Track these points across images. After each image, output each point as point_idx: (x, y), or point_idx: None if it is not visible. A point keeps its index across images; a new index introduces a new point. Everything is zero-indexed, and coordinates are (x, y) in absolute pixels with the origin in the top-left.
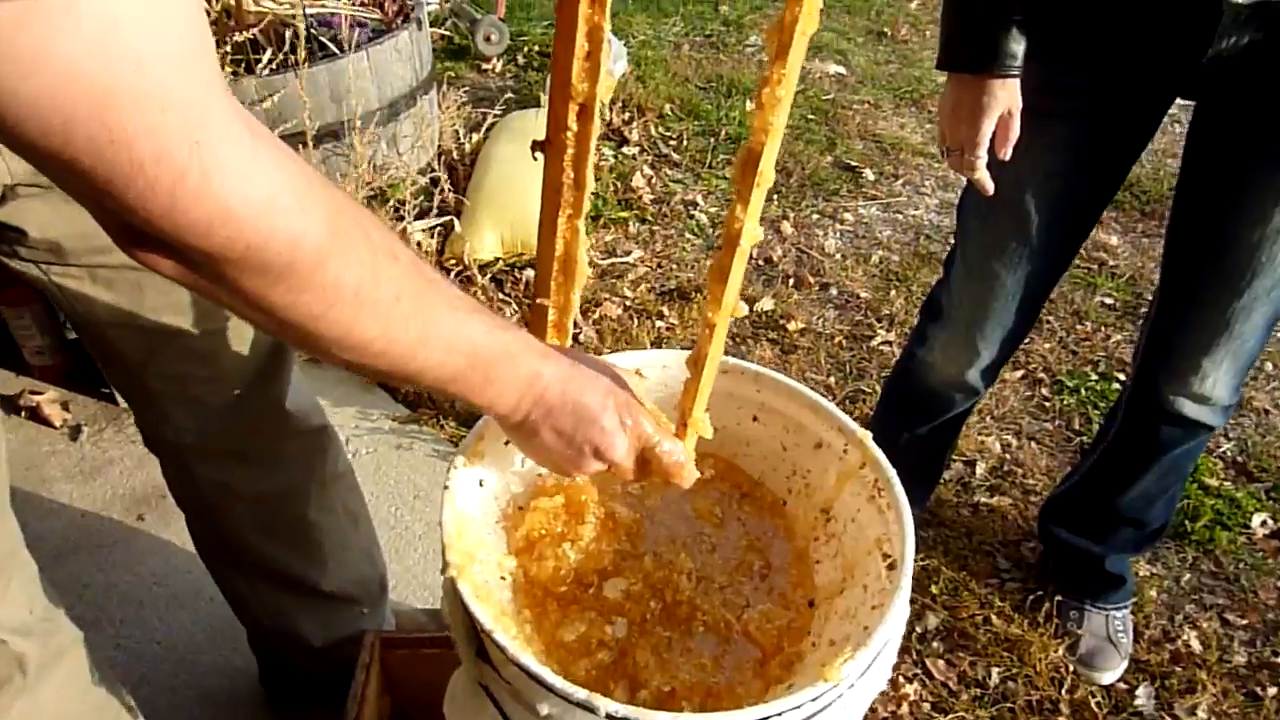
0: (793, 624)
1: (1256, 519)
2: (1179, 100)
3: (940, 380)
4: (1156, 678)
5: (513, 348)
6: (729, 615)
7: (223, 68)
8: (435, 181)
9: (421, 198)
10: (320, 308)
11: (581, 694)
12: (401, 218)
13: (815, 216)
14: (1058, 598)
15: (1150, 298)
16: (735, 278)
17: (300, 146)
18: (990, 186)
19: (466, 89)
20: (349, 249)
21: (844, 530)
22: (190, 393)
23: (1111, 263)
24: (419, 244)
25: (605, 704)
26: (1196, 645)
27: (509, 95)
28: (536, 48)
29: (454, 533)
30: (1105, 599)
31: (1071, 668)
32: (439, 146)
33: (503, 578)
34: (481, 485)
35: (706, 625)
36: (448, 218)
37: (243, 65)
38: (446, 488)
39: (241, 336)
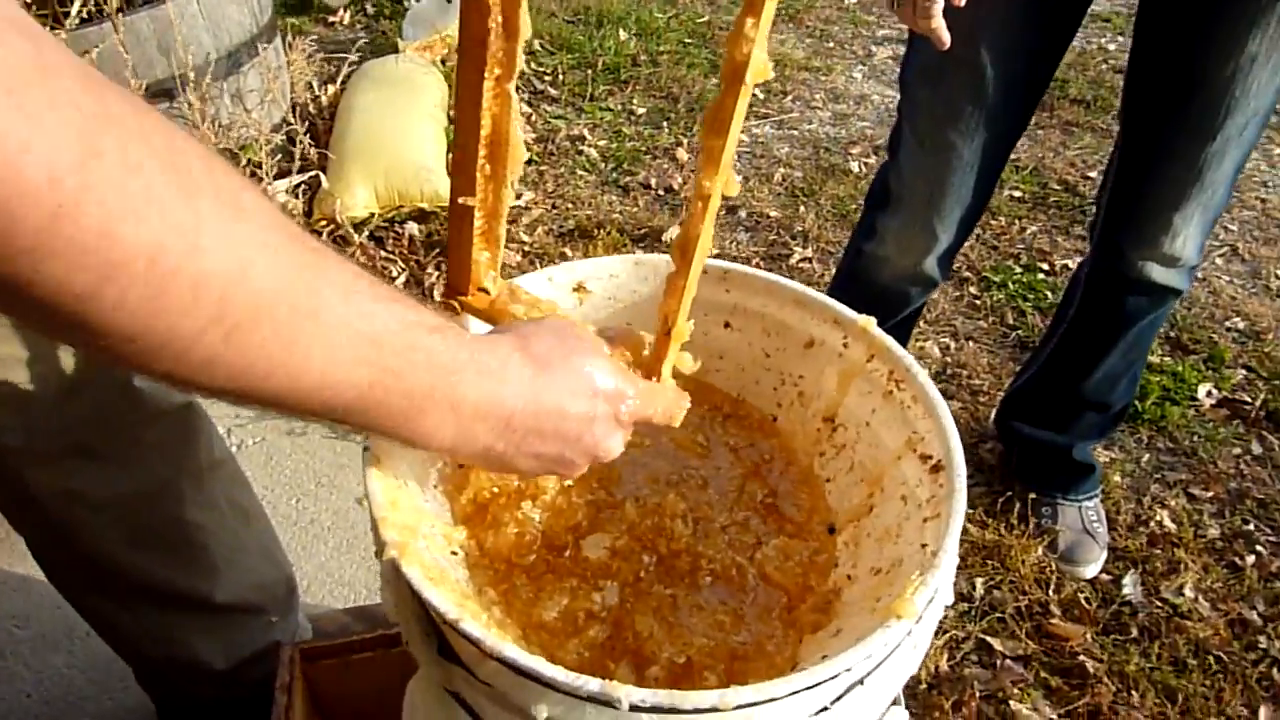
0: (816, 556)
1: (1202, 390)
2: None
3: (894, 274)
4: (1138, 563)
5: (450, 357)
6: (739, 558)
7: None
8: (293, 139)
9: (279, 156)
10: (86, 283)
11: (594, 685)
12: (259, 180)
13: None
14: (1030, 496)
15: (1058, 186)
16: (735, 127)
17: None
18: (946, 38)
19: (315, 41)
20: (127, 180)
21: (856, 439)
22: (3, 379)
23: (1012, 156)
24: (282, 207)
25: (630, 693)
26: (1170, 524)
27: (362, 42)
28: None
29: (385, 503)
30: (1076, 490)
31: (1054, 566)
32: (292, 100)
33: (453, 552)
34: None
35: (714, 574)
36: (312, 174)
37: (49, 19)
38: (367, 449)
39: None
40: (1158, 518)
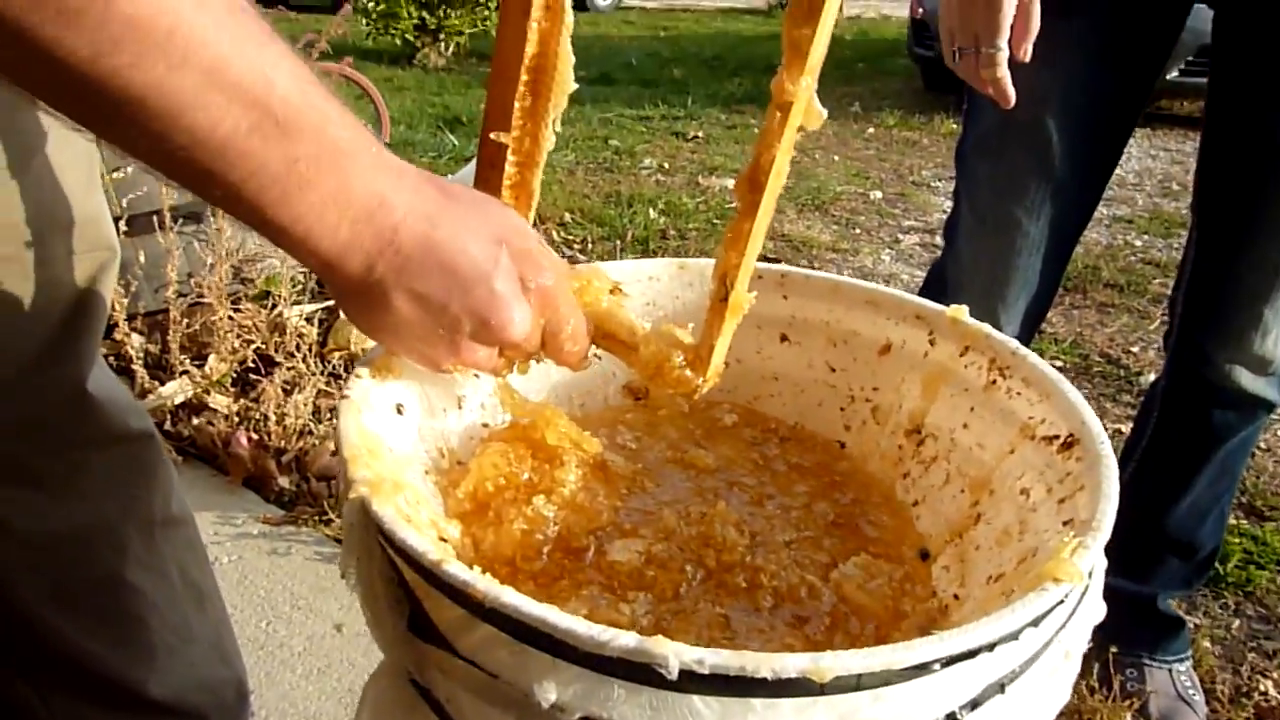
0: (907, 583)
1: None
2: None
3: None
4: None
5: (348, 134)
6: (811, 577)
7: None
8: (321, 282)
9: (299, 289)
10: None
11: (628, 640)
12: (274, 306)
13: None
14: (1112, 652)
15: (1100, 359)
16: (829, 16)
17: (158, 227)
18: (1011, 94)
19: None
20: None
21: (951, 447)
22: None
23: (1050, 330)
24: (299, 332)
25: (680, 652)
26: (1278, 697)
27: None
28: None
29: (359, 445)
30: (1165, 649)
31: None
32: None
33: (442, 539)
34: (401, 414)
35: (778, 594)
36: (330, 303)
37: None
38: (345, 397)
39: (7, 276)
40: (1262, 688)
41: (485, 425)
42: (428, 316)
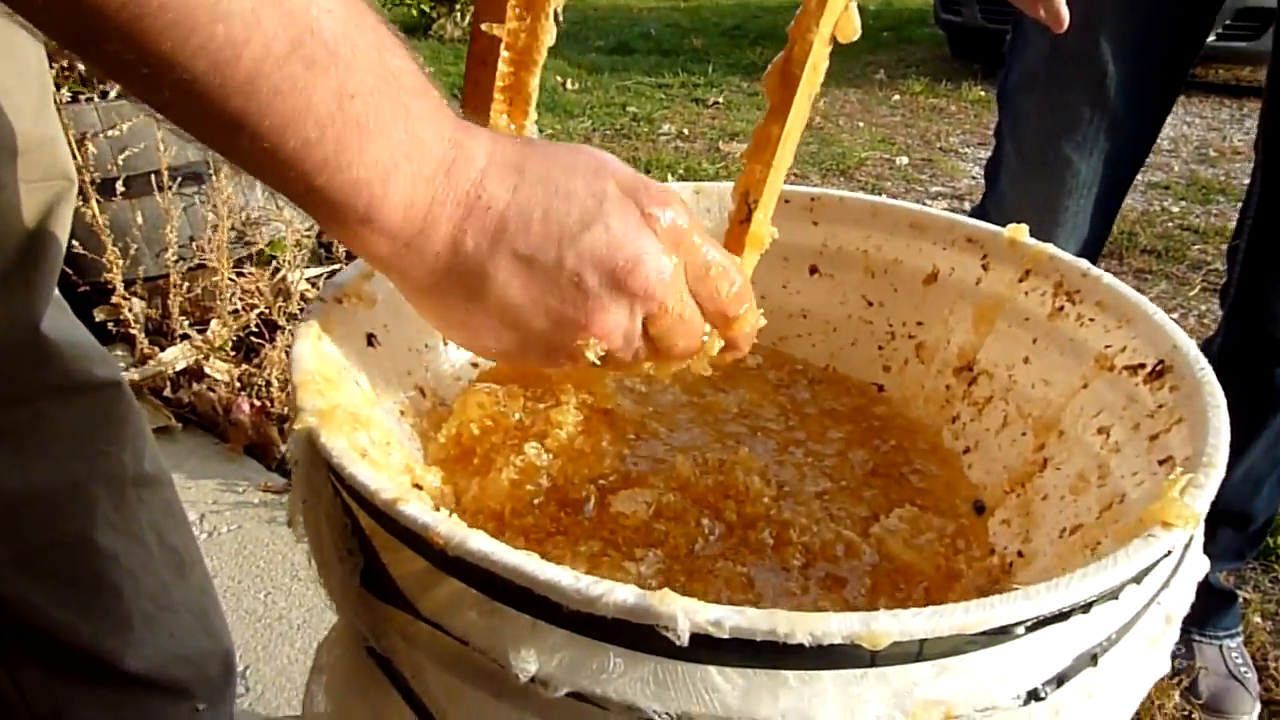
0: (960, 537)
1: None
2: None
3: None
4: None
5: (411, 77)
6: (848, 532)
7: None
8: (328, 245)
9: (306, 254)
10: None
11: (626, 594)
12: (277, 270)
13: None
14: None
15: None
16: None
17: (156, 189)
18: (1065, 16)
19: None
20: None
21: (1009, 384)
22: None
23: None
24: (304, 296)
25: (692, 611)
26: None
27: None
28: None
29: (314, 372)
30: (1215, 625)
31: (1198, 716)
32: None
33: (417, 486)
34: (374, 345)
35: (810, 551)
36: (337, 267)
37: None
38: (304, 320)
39: None
40: None
41: (475, 365)
42: (542, 281)
